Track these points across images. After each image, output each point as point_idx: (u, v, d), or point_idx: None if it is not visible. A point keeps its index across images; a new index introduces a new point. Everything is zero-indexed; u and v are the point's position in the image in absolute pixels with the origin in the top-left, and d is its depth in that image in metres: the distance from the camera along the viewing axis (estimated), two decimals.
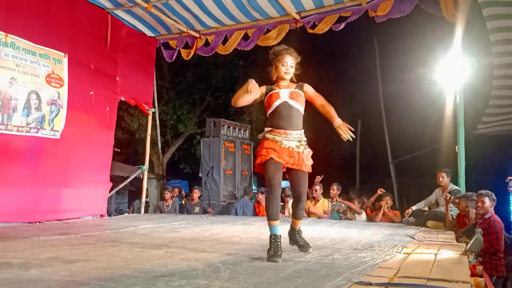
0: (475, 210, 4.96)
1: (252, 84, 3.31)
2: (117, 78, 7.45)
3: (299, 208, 3.50)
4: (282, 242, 3.14)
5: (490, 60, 5.97)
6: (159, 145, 14.16)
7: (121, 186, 8.41)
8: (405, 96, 12.58)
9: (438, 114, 8.46)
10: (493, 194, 4.77)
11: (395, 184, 14.11)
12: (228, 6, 7.04)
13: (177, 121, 15.24)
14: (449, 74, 6.55)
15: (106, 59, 7.21)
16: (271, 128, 3.38)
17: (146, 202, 8.68)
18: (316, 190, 7.29)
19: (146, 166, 8.40)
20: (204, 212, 8.16)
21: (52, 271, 2.49)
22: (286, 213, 7.58)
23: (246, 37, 7.80)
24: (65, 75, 6.44)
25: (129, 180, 8.63)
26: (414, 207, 6.41)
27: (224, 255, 3.22)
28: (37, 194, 5.97)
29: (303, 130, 3.43)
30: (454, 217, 5.56)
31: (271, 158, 3.26)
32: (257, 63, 13.50)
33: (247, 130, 10.18)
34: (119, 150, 12.47)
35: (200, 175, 9.18)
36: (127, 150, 15.50)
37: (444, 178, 6.15)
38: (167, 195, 8.28)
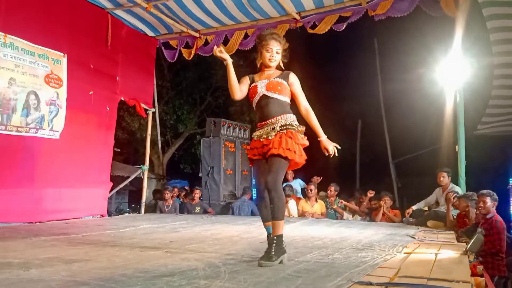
0: (476, 210, 4.95)
1: (217, 52, 3.00)
2: (117, 78, 7.45)
3: (270, 203, 2.90)
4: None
5: (490, 60, 5.96)
6: (159, 145, 14.16)
7: (121, 186, 8.41)
8: (406, 96, 12.57)
9: (438, 114, 8.46)
10: (494, 194, 4.76)
11: (395, 184, 14.09)
12: (228, 6, 7.04)
13: (177, 121, 15.23)
14: (449, 74, 6.55)
15: (106, 59, 7.21)
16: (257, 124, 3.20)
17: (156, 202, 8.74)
18: (311, 190, 7.29)
19: (146, 166, 8.40)
20: (205, 212, 8.16)
21: (52, 271, 2.49)
22: (286, 213, 7.59)
23: (246, 37, 7.80)
24: (64, 75, 6.44)
25: (129, 180, 8.63)
26: (414, 207, 6.42)
27: (224, 255, 3.22)
28: (37, 194, 5.97)
29: (288, 115, 3.08)
30: (455, 217, 5.56)
31: (250, 158, 3.18)
32: None
33: (247, 130, 10.17)
34: (119, 150, 12.47)
35: (200, 175, 9.17)
36: (127, 150, 15.48)
37: (444, 178, 6.16)
38: (167, 195, 8.27)
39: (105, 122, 7.24)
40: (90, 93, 6.87)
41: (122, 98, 7.58)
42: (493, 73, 6.15)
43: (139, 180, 8.78)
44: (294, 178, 8.57)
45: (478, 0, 5.20)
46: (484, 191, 4.79)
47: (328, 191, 7.59)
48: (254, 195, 8.50)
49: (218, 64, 14.73)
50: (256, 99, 3.13)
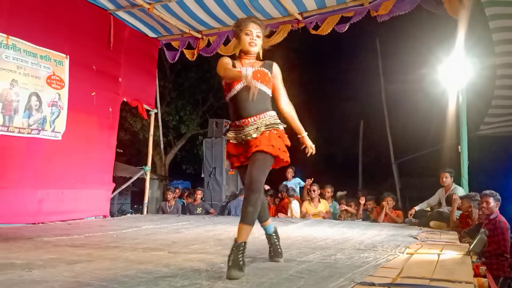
0: (479, 211, 4.93)
1: (249, 80, 2.51)
2: (120, 79, 7.46)
3: (246, 204, 2.55)
4: (283, 242, 3.13)
5: (493, 60, 5.96)
6: (162, 146, 14.18)
7: (123, 186, 8.43)
8: (408, 96, 12.55)
9: (441, 114, 8.45)
10: (497, 194, 4.74)
11: (397, 184, 14.06)
12: (230, 6, 7.04)
13: (179, 122, 15.25)
14: (451, 74, 6.53)
15: (108, 60, 7.23)
16: (230, 122, 2.84)
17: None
18: (314, 191, 7.28)
19: (148, 167, 8.41)
20: (207, 212, 8.16)
21: (55, 272, 2.49)
22: (289, 213, 7.58)
23: None
24: (66, 77, 6.45)
25: (131, 181, 8.64)
26: (417, 208, 6.41)
27: (226, 255, 3.20)
28: (40, 195, 5.99)
29: (271, 112, 2.78)
30: (457, 217, 5.54)
31: (237, 166, 2.85)
32: None
33: None
34: (121, 151, 12.48)
35: (202, 175, 9.18)
36: (129, 151, 15.50)
37: (447, 179, 6.15)
38: (170, 195, 8.28)
39: (108, 123, 7.26)
40: (93, 94, 6.88)
41: (125, 99, 7.60)
42: (495, 73, 6.14)
43: (141, 181, 8.79)
44: (293, 177, 8.55)
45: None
46: (487, 192, 4.77)
47: (326, 193, 7.59)
48: None
49: None
50: (239, 86, 2.67)
